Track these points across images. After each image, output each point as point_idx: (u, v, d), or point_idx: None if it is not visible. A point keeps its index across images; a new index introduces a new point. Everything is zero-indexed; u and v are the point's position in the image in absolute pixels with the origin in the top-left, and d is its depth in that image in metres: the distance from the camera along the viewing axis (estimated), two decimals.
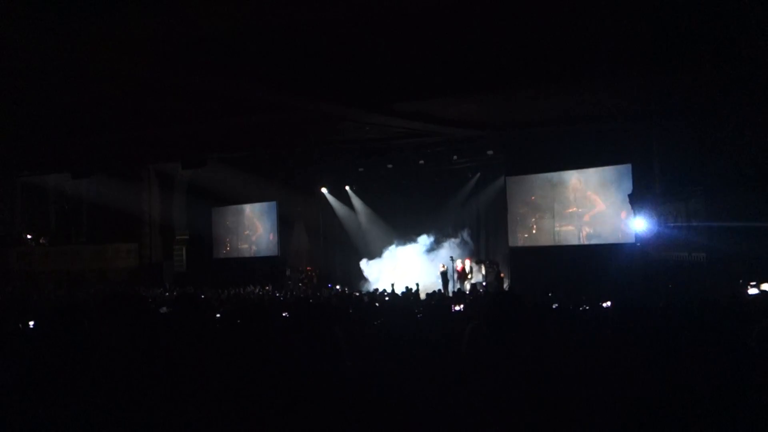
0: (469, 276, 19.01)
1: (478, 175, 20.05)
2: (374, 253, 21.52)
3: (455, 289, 17.48)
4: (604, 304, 8.95)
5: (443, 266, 19.31)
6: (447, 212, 20.47)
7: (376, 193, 21.84)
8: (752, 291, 8.92)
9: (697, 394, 2.90)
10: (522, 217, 18.74)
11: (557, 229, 18.14)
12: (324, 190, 22.99)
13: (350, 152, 19.83)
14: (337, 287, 19.44)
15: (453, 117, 15.05)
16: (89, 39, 7.99)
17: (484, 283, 17.92)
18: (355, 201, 22.56)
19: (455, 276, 18.94)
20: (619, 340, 4.23)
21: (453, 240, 20.21)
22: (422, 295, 13.50)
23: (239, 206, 24.31)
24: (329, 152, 19.60)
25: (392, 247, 20.86)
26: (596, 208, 17.45)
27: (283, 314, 7.74)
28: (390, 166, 20.19)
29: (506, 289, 17.99)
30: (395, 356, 4.34)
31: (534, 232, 18.55)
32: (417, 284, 16.04)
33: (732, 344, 3.62)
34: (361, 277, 21.01)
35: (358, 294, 14.85)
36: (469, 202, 20.35)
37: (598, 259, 15.98)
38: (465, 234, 20.30)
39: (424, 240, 20.60)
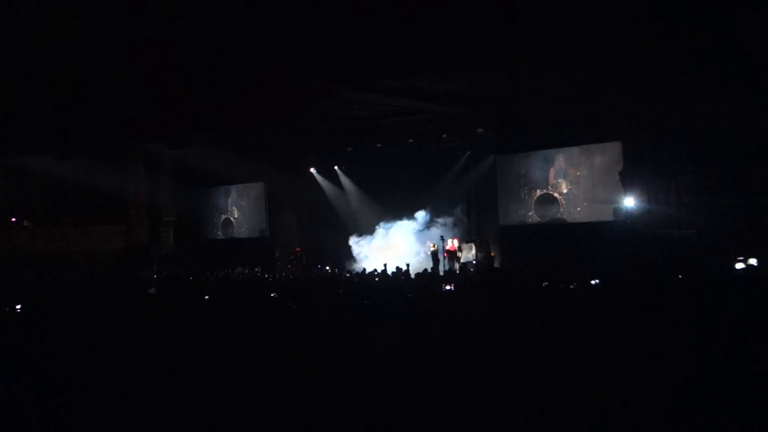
0: (459, 255, 18.86)
1: (468, 153, 20.00)
2: (364, 234, 21.31)
3: (446, 269, 17.46)
4: (593, 282, 8.93)
5: (433, 246, 19.27)
6: (437, 191, 20.38)
7: (365, 173, 21.67)
8: (739, 266, 8.83)
9: (687, 365, 2.96)
10: (512, 195, 18.75)
11: (546, 207, 18.24)
12: (313, 170, 22.82)
13: (339, 131, 19.76)
14: (327, 268, 19.33)
15: (441, 94, 14.98)
16: (69, 13, 7.80)
17: (474, 262, 17.81)
18: (345, 181, 22.44)
19: (445, 255, 18.76)
20: (609, 315, 4.31)
21: (443, 219, 20.13)
22: (413, 275, 13.69)
23: (227, 187, 24.20)
24: (318, 131, 19.39)
25: (382, 227, 20.72)
26: (586, 186, 17.56)
27: (272, 294, 8.47)
28: (379, 145, 20.08)
29: (497, 267, 17.80)
30: (386, 335, 4.33)
31: (524, 210, 18.62)
32: (407, 264, 15.69)
33: (718, 316, 3.63)
34: (351, 257, 20.86)
35: (348, 274, 14.73)
36: (459, 181, 20.25)
37: (588, 238, 16.05)
38: (456, 213, 20.19)
39: (414, 219, 20.51)
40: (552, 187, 18.22)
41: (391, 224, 20.71)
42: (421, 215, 20.71)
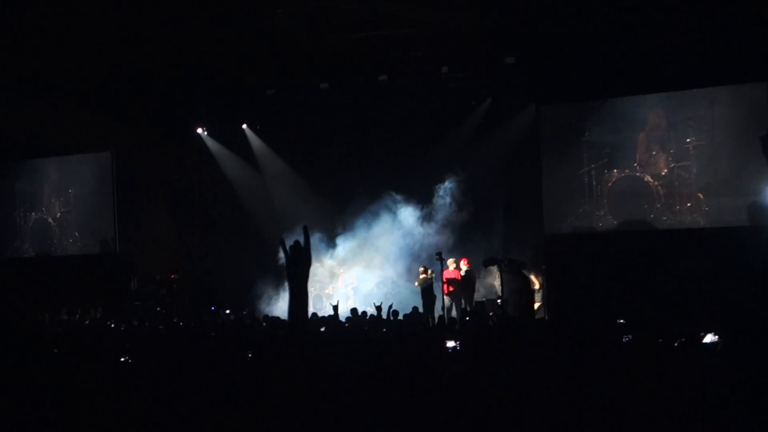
0: (469, 283, 19.50)
1: (489, 101, 20.07)
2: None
3: (443, 313, 17.99)
4: (707, 338, 9.59)
5: (424, 270, 19.50)
6: (430, 170, 20.65)
7: (298, 136, 22.17)
8: None
9: None
10: (567, 179, 19.00)
11: (631, 201, 18.47)
12: (201, 131, 23.09)
13: (250, 60, 19.60)
14: (227, 312, 19.27)
15: None
16: None
17: (498, 301, 17.77)
18: (260, 150, 22.81)
19: (445, 287, 19.09)
20: (735, 403, 5.46)
21: (440, 221, 20.43)
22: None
23: (41, 162, 24.55)
24: (211, 61, 19.77)
25: (328, 236, 21.24)
26: (702, 163, 17.85)
27: (122, 360, 9.62)
28: (325, 85, 20.41)
29: (542, 314, 18.31)
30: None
31: (589, 206, 18.93)
32: (378, 305, 15.59)
33: None
34: (268, 292, 21.14)
35: (263, 324, 14.85)
36: (470, 153, 20.44)
37: (705, 257, 16.57)
38: (464, 210, 20.40)
39: (388, 220, 20.77)
40: (641, 165, 18.36)
41: (345, 230, 21.34)
42: (397, 213, 20.73)
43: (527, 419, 5.89)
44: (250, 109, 22.46)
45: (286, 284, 19.76)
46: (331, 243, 21.55)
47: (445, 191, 20.62)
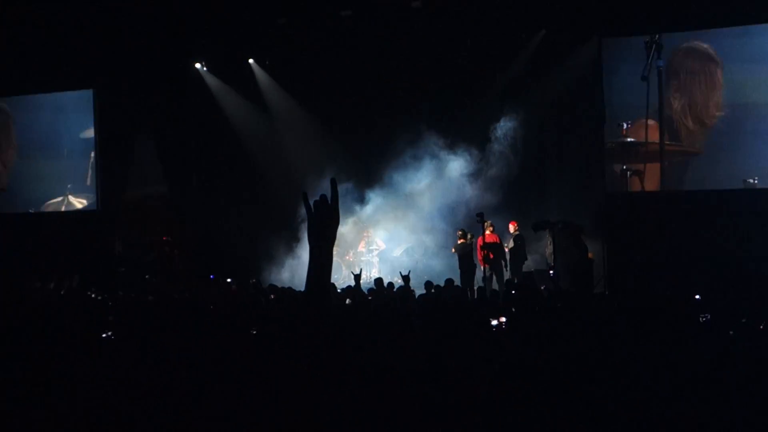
0: (506, 250, 19.99)
1: (543, 33, 20.20)
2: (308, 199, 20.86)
3: (483, 284, 17.93)
4: None
5: (462, 234, 19.89)
6: (473, 114, 20.94)
7: (314, 73, 21.99)
8: None
9: None
10: (635, 129, 19.01)
11: (708, 158, 18.56)
12: (200, 66, 23.30)
13: None
14: (229, 281, 19.18)
15: None
16: None
17: (551, 273, 18.04)
18: (269, 88, 22.90)
19: (483, 254, 19.09)
20: None
21: (486, 175, 20.38)
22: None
23: (3, 101, 24.65)
24: None
25: (350, 188, 20.98)
26: None
27: (103, 336, 9.51)
28: (347, 12, 20.64)
29: (601, 287, 18.13)
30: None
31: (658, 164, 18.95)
32: (405, 274, 15.77)
33: None
34: (280, 257, 21.21)
35: (275, 295, 14.97)
36: (521, 93, 20.69)
37: None
38: (511, 164, 20.41)
39: (422, 172, 21.02)
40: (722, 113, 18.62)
41: (368, 183, 21.38)
42: (428, 167, 20.83)
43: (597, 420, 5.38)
44: (257, 41, 22.32)
45: (301, 250, 20.34)
46: (353, 199, 21.57)
47: (491, 140, 20.67)
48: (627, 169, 19.30)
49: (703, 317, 9.67)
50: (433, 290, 14.91)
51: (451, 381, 6.22)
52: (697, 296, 12.75)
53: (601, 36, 19.09)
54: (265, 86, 22.90)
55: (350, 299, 14.20)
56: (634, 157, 19.28)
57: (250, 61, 22.77)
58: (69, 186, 24.00)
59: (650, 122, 18.95)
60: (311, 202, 6.01)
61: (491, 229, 19.54)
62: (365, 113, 21.87)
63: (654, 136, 18.94)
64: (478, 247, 19.35)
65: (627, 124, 19.13)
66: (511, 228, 19.68)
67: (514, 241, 19.62)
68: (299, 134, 22.81)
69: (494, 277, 19.06)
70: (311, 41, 21.67)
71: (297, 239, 20.89)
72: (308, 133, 22.72)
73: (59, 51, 21.79)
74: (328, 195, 5.86)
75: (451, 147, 20.70)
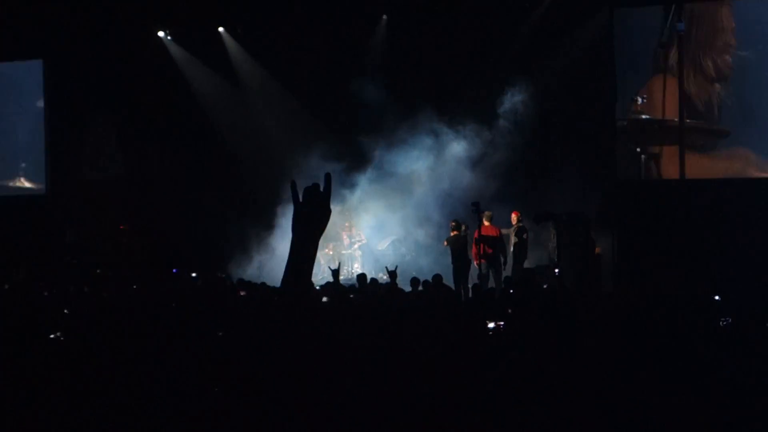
0: (510, 242, 20.05)
1: (548, 2, 20.26)
2: (281, 190, 19.97)
3: (478, 282, 18.07)
4: None
5: (456, 226, 19.97)
6: (474, 90, 20.79)
7: (293, 42, 21.92)
8: None
9: None
10: (650, 106, 19.21)
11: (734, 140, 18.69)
12: (163, 34, 23.51)
13: None
14: (193, 275, 19.37)
15: None
16: None
17: (556, 270, 18.01)
18: (241, 60, 22.88)
19: (478, 248, 19.38)
20: None
21: (479, 161, 20.44)
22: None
23: None
24: None
25: (336, 170, 20.15)
26: None
27: (51, 338, 9.33)
28: None
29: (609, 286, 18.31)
30: None
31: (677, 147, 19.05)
32: (392, 270, 15.54)
33: None
34: (250, 248, 21.15)
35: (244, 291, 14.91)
36: (522, 67, 20.89)
37: None
38: (506, 144, 20.42)
39: (408, 159, 20.80)
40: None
41: (348, 165, 21.14)
42: (420, 152, 20.80)
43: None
44: (229, 7, 22.30)
45: (277, 241, 20.28)
46: (338, 184, 21.09)
47: (490, 120, 20.71)
48: (641, 153, 19.35)
49: (723, 321, 9.63)
50: (420, 287, 14.87)
51: (443, 391, 6.19)
52: (717, 297, 12.71)
53: (612, 5, 19.15)
54: (237, 58, 22.95)
55: (328, 297, 14.02)
56: (650, 138, 19.40)
57: (221, 29, 22.68)
58: (23, 165, 24.06)
59: (668, 96, 18.94)
60: (300, 191, 5.85)
61: (489, 221, 19.43)
62: (351, 88, 21.51)
63: (672, 113, 18.97)
64: (478, 238, 19.20)
65: (642, 99, 19.22)
66: (514, 218, 19.62)
67: (516, 234, 19.61)
68: (276, 111, 22.80)
69: (491, 275, 19.03)
70: (290, 6, 21.60)
71: (272, 228, 20.89)
72: (286, 111, 22.73)
73: (2, 16, 21.69)
74: (321, 185, 5.74)
75: (450, 126, 20.70)
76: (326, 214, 5.74)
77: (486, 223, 19.14)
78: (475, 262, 19.24)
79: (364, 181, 21.28)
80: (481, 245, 19.08)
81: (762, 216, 17.45)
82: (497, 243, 19.45)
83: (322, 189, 5.40)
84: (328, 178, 5.28)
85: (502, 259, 19.55)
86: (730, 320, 9.71)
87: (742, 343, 8.17)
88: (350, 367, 6.84)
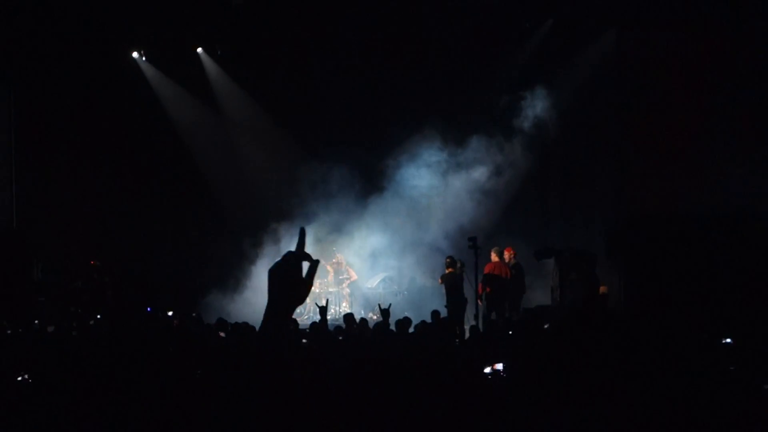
0: (505, 278, 19.84)
1: (551, 23, 20.17)
2: (263, 221, 21.10)
3: (476, 323, 17.84)
4: None
5: (451, 263, 19.91)
6: (460, 118, 20.68)
7: (274, 64, 22.07)
8: None
9: None
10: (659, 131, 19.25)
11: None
12: (138, 55, 23.08)
13: None
14: (170, 314, 19.10)
15: None
16: None
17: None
18: (220, 82, 22.76)
19: (479, 288, 19.15)
20: None
21: (479, 190, 20.29)
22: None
23: None
24: None
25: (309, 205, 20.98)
26: None
27: (18, 380, 9.70)
28: None
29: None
30: None
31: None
32: (385, 308, 15.02)
33: None
34: (231, 280, 21.06)
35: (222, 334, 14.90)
36: (526, 91, 20.26)
37: None
38: (511, 179, 20.43)
39: (403, 187, 20.63)
40: None
41: (333, 195, 20.99)
42: (410, 180, 20.65)
43: None
44: (207, 27, 22.02)
45: (256, 276, 20.33)
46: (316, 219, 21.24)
47: (487, 146, 20.44)
48: (649, 184, 19.22)
49: (734, 366, 9.47)
50: (412, 329, 14.68)
51: None
52: (728, 339, 12.32)
53: (620, 28, 19.23)
54: (216, 80, 22.92)
55: (311, 340, 13.85)
56: (660, 166, 19.26)
57: (199, 50, 22.72)
58: None
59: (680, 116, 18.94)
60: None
61: (497, 257, 19.29)
62: (338, 111, 21.69)
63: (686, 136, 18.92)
64: (483, 278, 19.16)
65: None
66: (506, 256, 19.37)
67: (514, 269, 19.37)
68: (257, 136, 22.86)
69: (494, 315, 18.73)
70: (272, 27, 21.56)
71: (252, 260, 20.86)
72: (268, 136, 22.77)
73: None
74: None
75: (449, 157, 20.53)
76: (304, 286, 5.41)
77: (495, 259, 19.16)
78: (479, 302, 18.76)
79: (351, 208, 21.08)
80: (481, 283, 18.74)
81: None
82: (501, 283, 19.06)
83: (295, 248, 5.14)
84: (301, 233, 4.94)
85: (506, 305, 19.25)
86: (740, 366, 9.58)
87: (753, 391, 7.91)
88: (333, 419, 7.21)
